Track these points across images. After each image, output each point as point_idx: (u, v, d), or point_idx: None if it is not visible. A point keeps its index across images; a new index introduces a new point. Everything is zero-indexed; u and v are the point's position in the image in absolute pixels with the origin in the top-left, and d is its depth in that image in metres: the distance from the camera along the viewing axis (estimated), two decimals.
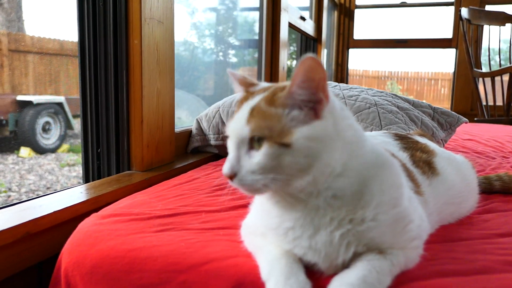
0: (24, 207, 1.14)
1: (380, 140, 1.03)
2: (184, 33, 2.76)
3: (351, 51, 4.93)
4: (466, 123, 1.88)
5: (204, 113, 2.00)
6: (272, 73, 3.11)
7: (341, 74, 4.86)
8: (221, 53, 3.32)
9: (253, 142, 0.69)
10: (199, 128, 1.98)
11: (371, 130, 1.58)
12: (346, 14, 4.86)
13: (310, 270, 0.74)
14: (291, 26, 3.46)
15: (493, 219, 1.07)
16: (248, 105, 0.71)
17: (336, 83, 1.97)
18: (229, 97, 1.98)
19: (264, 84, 0.79)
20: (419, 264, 0.78)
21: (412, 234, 0.76)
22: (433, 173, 1.01)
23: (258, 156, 0.68)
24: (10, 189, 2.88)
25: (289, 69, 4.38)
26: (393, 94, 1.87)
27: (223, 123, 1.91)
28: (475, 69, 3.61)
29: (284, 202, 0.74)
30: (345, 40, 4.84)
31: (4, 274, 1.00)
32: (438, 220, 0.97)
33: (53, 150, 3.45)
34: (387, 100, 1.70)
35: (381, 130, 1.58)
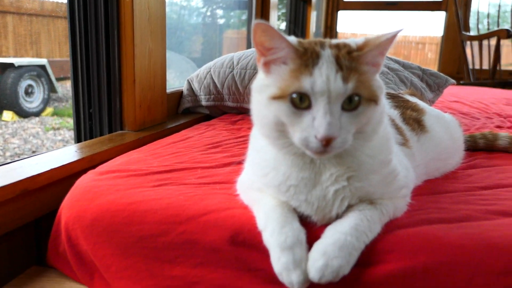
0: (19, 165, 1.15)
1: None
2: None
3: (340, 13, 4.88)
4: (453, 84, 1.91)
5: (195, 74, 1.99)
6: None
7: (330, 36, 4.83)
8: (208, 14, 3.27)
9: (349, 100, 0.67)
10: (190, 89, 1.98)
11: None
12: None
13: (305, 221, 0.78)
14: None
15: (477, 174, 1.12)
16: (326, 61, 0.67)
17: None
18: (220, 58, 1.98)
19: (295, 39, 0.73)
20: (407, 213, 0.83)
21: (399, 184, 0.81)
22: (422, 130, 1.04)
23: (358, 119, 0.68)
24: None
25: (278, 30, 4.33)
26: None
27: (214, 84, 1.91)
28: (463, 32, 3.62)
29: (300, 162, 0.74)
30: (335, 2, 4.78)
31: (3, 229, 1.02)
32: (425, 173, 1.02)
33: (37, 114, 3.40)
34: None
35: None
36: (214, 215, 0.83)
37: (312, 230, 0.77)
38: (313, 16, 4.49)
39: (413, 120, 1.05)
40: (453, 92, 2.83)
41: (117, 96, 1.55)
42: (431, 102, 1.82)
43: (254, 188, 0.84)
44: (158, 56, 1.65)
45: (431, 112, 1.14)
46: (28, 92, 3.18)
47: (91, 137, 1.58)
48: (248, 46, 3.14)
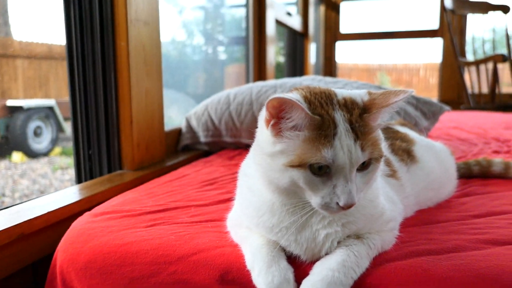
0: (18, 209, 1.17)
1: None
2: (173, 32, 2.78)
3: (340, 45, 4.97)
4: (448, 111, 1.93)
5: (193, 112, 2.03)
6: (260, 69, 3.14)
7: (329, 67, 4.91)
8: (210, 51, 3.35)
9: (362, 163, 0.70)
10: (189, 126, 2.02)
11: None
12: (332, 8, 4.90)
13: (293, 259, 0.79)
14: (278, 22, 3.49)
15: (470, 202, 1.11)
16: (343, 129, 0.68)
17: (322, 77, 2.01)
18: (216, 95, 2.02)
19: (300, 97, 0.72)
20: (396, 246, 0.83)
21: (386, 217, 0.81)
22: (412, 160, 1.05)
23: (368, 176, 0.72)
24: (3, 195, 2.90)
25: (278, 65, 4.42)
26: (377, 86, 1.91)
27: (212, 121, 1.94)
28: (460, 58, 3.66)
29: (300, 210, 0.74)
30: (332, 33, 4.88)
31: (3, 273, 1.03)
32: (416, 203, 1.02)
33: (46, 154, 3.46)
34: None
35: None
36: (204, 254, 0.84)
37: (301, 267, 0.77)
38: (312, 48, 4.58)
39: (403, 150, 1.06)
40: (453, 118, 2.84)
41: (115, 137, 1.58)
42: (427, 130, 1.83)
43: (242, 226, 0.85)
44: (155, 96, 1.69)
45: (421, 142, 1.15)
46: (37, 133, 3.23)
47: (91, 178, 1.60)
48: (247, 80, 3.21)
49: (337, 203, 0.67)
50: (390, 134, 1.13)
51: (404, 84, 8.23)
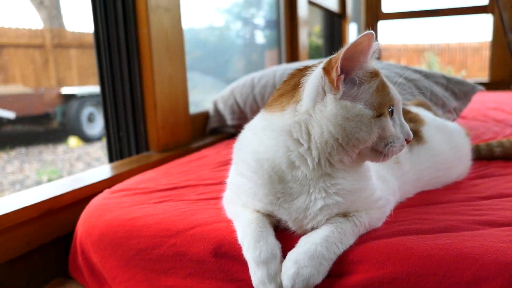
0: (48, 187, 1.27)
1: None
2: (209, 18, 2.83)
3: (383, 24, 4.80)
4: (482, 91, 1.84)
5: (220, 95, 2.08)
6: (292, 53, 3.13)
7: None
8: (248, 35, 3.37)
9: None
10: (216, 109, 2.07)
11: None
12: None
13: (284, 233, 0.82)
14: (311, 3, 3.43)
15: (482, 184, 1.08)
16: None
17: None
18: (242, 79, 2.05)
19: None
20: (386, 224, 0.83)
21: (375, 197, 0.81)
22: (417, 141, 1.04)
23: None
24: (62, 177, 3.11)
25: (317, 47, 4.36)
26: (404, 66, 1.87)
27: (237, 104, 1.98)
28: (510, 35, 3.44)
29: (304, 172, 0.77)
30: (374, 13, 4.72)
31: (34, 243, 1.13)
32: (416, 179, 1.00)
33: (99, 139, 3.66)
34: (394, 72, 1.70)
35: None
36: (200, 229, 0.89)
37: (290, 241, 0.80)
38: (352, 29, 4.47)
39: None
40: (496, 98, 2.70)
41: (141, 121, 1.66)
42: (457, 111, 1.76)
43: (236, 203, 0.89)
44: (178, 81, 1.74)
45: (432, 123, 1.13)
46: (90, 119, 3.41)
47: (121, 158, 1.69)
48: (279, 63, 3.20)
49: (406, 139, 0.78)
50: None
51: (458, 64, 7.81)
